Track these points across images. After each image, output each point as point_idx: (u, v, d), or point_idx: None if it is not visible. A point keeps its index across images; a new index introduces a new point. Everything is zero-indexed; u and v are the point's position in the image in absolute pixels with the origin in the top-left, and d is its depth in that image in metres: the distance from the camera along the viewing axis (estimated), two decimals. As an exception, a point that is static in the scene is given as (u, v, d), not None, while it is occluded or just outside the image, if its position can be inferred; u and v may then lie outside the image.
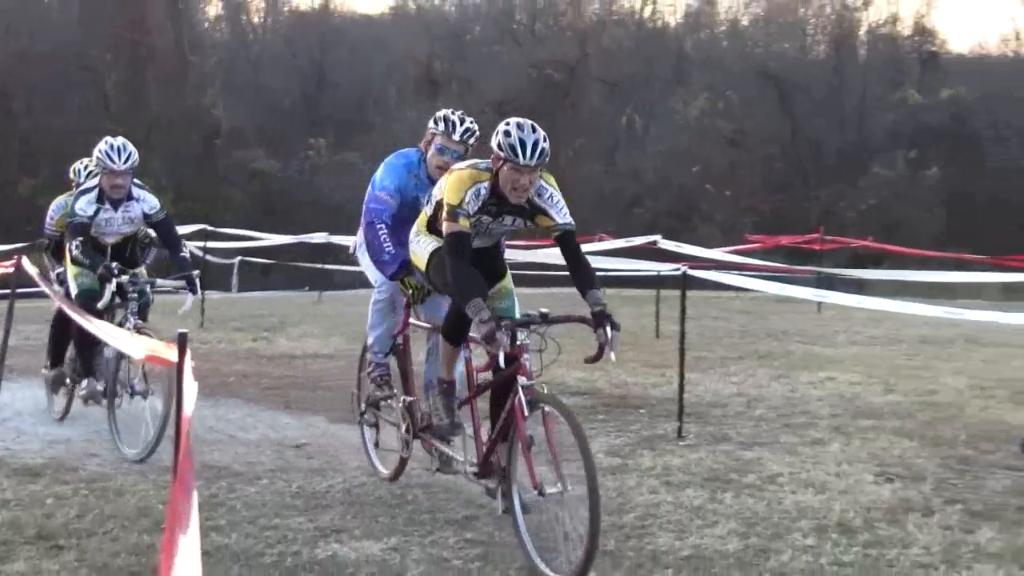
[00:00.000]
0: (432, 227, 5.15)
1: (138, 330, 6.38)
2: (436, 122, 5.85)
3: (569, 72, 41.32)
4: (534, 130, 4.63)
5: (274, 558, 4.93)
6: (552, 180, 4.86)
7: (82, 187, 7.11)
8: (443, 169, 5.37)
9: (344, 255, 13.27)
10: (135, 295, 6.78)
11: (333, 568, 4.86)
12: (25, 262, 7.15)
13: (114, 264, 6.85)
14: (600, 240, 18.73)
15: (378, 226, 5.55)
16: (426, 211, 5.24)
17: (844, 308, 15.22)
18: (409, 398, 5.69)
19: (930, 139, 39.14)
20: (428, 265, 5.12)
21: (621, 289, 21.05)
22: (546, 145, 4.63)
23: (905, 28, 45.37)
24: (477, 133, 5.82)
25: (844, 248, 26.12)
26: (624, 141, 42.53)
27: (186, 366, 3.33)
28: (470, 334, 5.02)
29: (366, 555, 5.00)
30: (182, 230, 10.75)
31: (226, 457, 6.85)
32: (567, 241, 4.87)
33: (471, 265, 4.78)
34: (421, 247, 5.18)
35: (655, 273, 11.87)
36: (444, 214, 4.70)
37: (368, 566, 4.84)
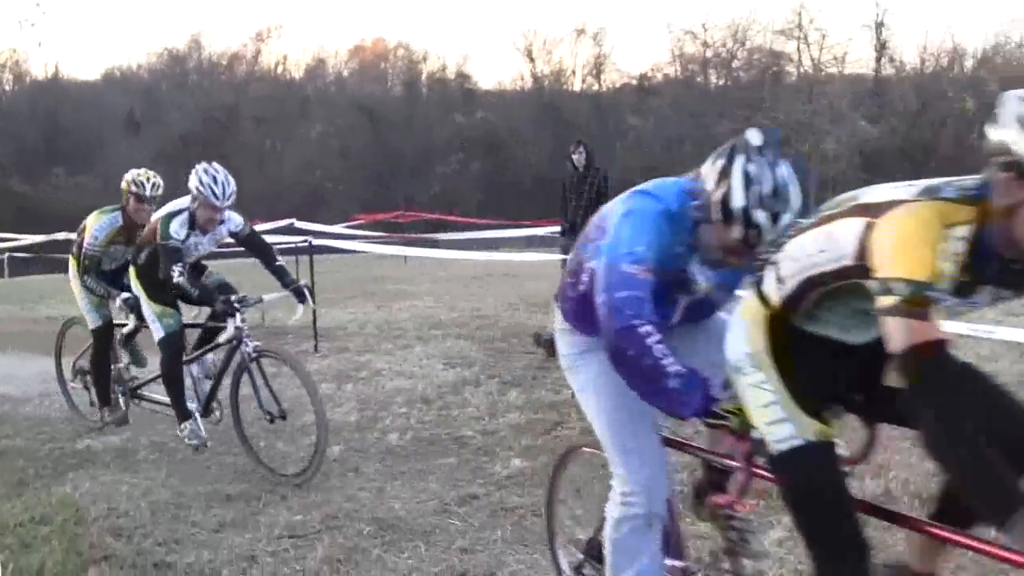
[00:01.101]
0: (779, 327, 2.38)
1: (259, 352, 5.53)
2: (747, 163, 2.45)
3: (229, 112, 47.44)
4: None
5: (47, 451, 5.75)
6: None
7: (172, 210, 5.73)
8: (738, 257, 2.52)
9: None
10: (243, 319, 5.55)
11: (88, 454, 5.64)
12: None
13: (232, 296, 5.59)
14: (253, 223, 16.64)
15: (642, 330, 2.47)
16: (759, 295, 2.47)
17: (421, 259, 17.47)
18: (678, 564, 3.01)
19: (472, 146, 47.16)
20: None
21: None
22: None
23: (451, 73, 54.02)
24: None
25: (419, 220, 29.67)
26: (268, 158, 47.30)
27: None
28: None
29: (109, 445, 5.88)
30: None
31: (7, 388, 7.61)
32: None
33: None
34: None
35: (292, 245, 11.58)
36: (894, 300, 1.95)
37: (111, 451, 5.69)
